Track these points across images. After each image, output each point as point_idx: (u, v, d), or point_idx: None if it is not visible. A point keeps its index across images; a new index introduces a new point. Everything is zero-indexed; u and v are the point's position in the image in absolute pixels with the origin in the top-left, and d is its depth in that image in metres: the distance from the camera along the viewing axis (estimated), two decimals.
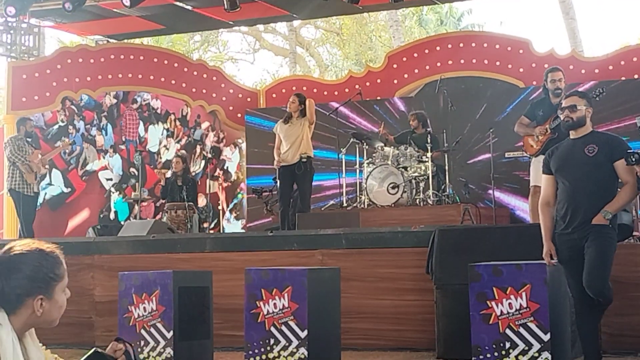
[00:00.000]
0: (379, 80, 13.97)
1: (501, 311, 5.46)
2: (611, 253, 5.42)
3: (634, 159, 5.26)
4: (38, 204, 11.57)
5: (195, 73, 14.53)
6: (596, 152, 5.45)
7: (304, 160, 9.74)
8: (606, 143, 5.48)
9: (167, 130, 14.46)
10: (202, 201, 11.92)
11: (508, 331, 5.45)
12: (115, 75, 14.00)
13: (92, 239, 9.57)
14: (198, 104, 14.51)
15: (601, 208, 5.40)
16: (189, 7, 13.62)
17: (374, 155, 11.05)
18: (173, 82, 14.33)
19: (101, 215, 13.91)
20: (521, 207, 11.91)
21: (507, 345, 5.44)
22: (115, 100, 14.25)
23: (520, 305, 5.43)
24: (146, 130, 14.45)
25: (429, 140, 10.77)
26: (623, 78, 12.25)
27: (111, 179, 14.27)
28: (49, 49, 18.09)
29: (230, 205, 14.23)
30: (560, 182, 5.57)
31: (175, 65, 14.46)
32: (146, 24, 14.53)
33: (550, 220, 5.62)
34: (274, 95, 14.50)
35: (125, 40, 15.40)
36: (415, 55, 13.90)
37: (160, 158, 14.16)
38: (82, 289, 8.56)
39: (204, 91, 14.50)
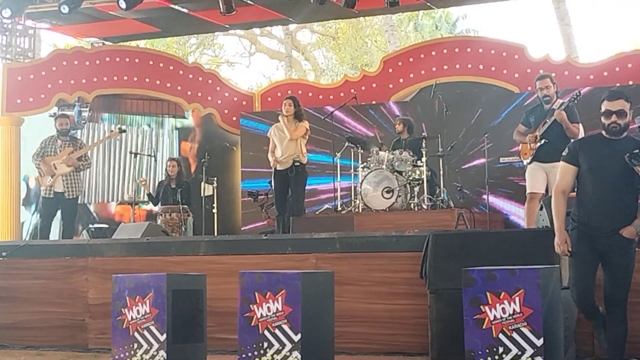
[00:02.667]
0: (374, 85, 14.00)
1: (494, 316, 5.46)
2: (633, 268, 5.49)
3: (638, 162, 5.20)
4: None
5: (190, 76, 14.54)
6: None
7: (297, 164, 9.76)
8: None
9: None
10: None
11: (501, 336, 5.45)
12: (110, 78, 13.99)
13: (86, 241, 9.56)
14: (193, 107, 14.52)
15: (631, 218, 5.40)
16: (185, 10, 13.62)
17: (368, 159, 11.07)
18: (168, 85, 14.33)
19: None
20: (515, 212, 11.94)
21: (500, 350, 5.44)
22: None
23: (514, 310, 5.43)
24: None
25: (423, 145, 10.80)
26: (618, 84, 12.28)
27: None
28: (44, 51, 18.11)
29: None
30: (591, 182, 5.48)
31: (171, 68, 14.46)
32: (142, 27, 14.53)
33: (565, 209, 5.57)
34: (269, 99, 14.51)
35: (121, 43, 15.39)
36: (411, 60, 13.93)
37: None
38: (76, 291, 8.56)
39: (199, 94, 14.51)
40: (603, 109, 5.50)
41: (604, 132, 5.54)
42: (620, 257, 5.39)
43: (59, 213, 10.77)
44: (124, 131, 11.86)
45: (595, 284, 5.69)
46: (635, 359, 6.42)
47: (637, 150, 5.27)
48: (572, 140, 6.87)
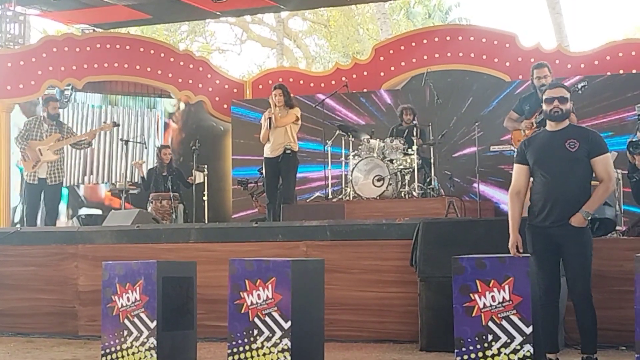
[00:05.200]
0: (365, 73, 13.99)
1: (484, 304, 5.49)
2: (591, 255, 5.51)
3: (639, 149, 5.20)
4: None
5: (181, 63, 14.50)
6: (577, 148, 5.44)
7: (288, 152, 9.74)
8: (586, 139, 5.47)
9: None
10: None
11: (491, 324, 5.47)
12: (101, 65, 13.94)
13: (76, 228, 9.54)
14: (184, 94, 14.49)
15: (580, 204, 5.41)
16: None
17: (359, 147, 11.07)
18: (159, 72, 14.30)
19: None
20: (505, 201, 11.89)
21: (490, 337, 5.46)
22: None
23: (503, 298, 5.46)
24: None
25: (414, 133, 10.81)
26: (608, 73, 12.31)
27: None
28: (34, 38, 18.04)
29: None
30: (539, 175, 5.55)
31: (162, 55, 14.42)
32: (133, 13, 14.48)
33: (519, 211, 5.63)
34: (260, 87, 14.49)
35: (112, 30, 15.33)
36: (402, 48, 13.92)
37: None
38: (66, 278, 8.56)
39: (190, 82, 14.48)
40: (545, 97, 5.59)
41: (548, 125, 5.61)
42: (574, 246, 5.41)
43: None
44: (118, 125, 11.71)
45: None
46: (624, 347, 6.46)
47: (637, 139, 5.29)
48: None
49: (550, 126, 5.61)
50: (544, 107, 5.61)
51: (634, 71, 12.24)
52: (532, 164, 5.59)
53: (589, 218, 5.43)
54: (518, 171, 5.69)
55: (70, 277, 8.55)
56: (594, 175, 5.51)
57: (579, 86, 8.17)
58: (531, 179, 5.65)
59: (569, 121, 5.62)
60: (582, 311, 5.46)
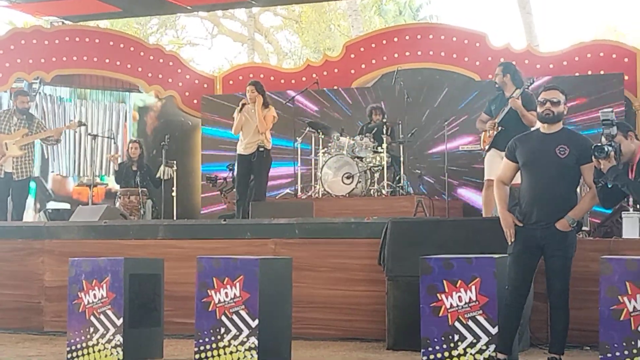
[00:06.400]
0: (336, 70, 13.97)
1: (451, 304, 5.53)
2: (572, 258, 5.57)
3: (603, 154, 5.23)
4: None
5: (151, 58, 14.40)
6: (567, 154, 5.47)
7: (261, 150, 9.73)
8: (577, 145, 5.50)
9: None
10: None
11: (457, 324, 5.51)
12: (69, 58, 13.80)
13: (43, 223, 9.45)
14: (154, 89, 14.40)
15: (566, 210, 5.47)
16: None
17: (329, 144, 11.08)
18: (129, 66, 14.18)
19: None
20: (475, 200, 12.01)
21: (456, 337, 5.51)
22: None
23: (470, 298, 5.50)
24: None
25: (384, 131, 10.83)
26: (577, 73, 12.40)
27: None
28: (1, 30, 17.84)
29: None
30: (527, 177, 5.60)
31: (131, 49, 14.30)
32: (103, 6, 14.31)
33: (505, 194, 5.71)
34: (230, 82, 14.43)
35: (81, 23, 15.18)
36: (373, 45, 13.92)
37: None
38: (32, 273, 8.49)
39: (160, 76, 14.38)
40: (539, 99, 5.66)
41: (540, 126, 5.66)
42: (557, 249, 5.46)
43: None
44: (84, 124, 11.60)
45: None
46: (588, 347, 6.53)
47: (600, 143, 5.32)
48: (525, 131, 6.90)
49: (543, 128, 5.64)
50: (538, 108, 5.65)
51: (602, 72, 12.34)
52: (521, 164, 5.64)
53: (574, 225, 5.49)
54: (506, 166, 5.76)
55: (36, 273, 8.48)
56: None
57: (527, 84, 8.31)
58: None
59: (562, 124, 5.65)
60: (557, 311, 5.51)
